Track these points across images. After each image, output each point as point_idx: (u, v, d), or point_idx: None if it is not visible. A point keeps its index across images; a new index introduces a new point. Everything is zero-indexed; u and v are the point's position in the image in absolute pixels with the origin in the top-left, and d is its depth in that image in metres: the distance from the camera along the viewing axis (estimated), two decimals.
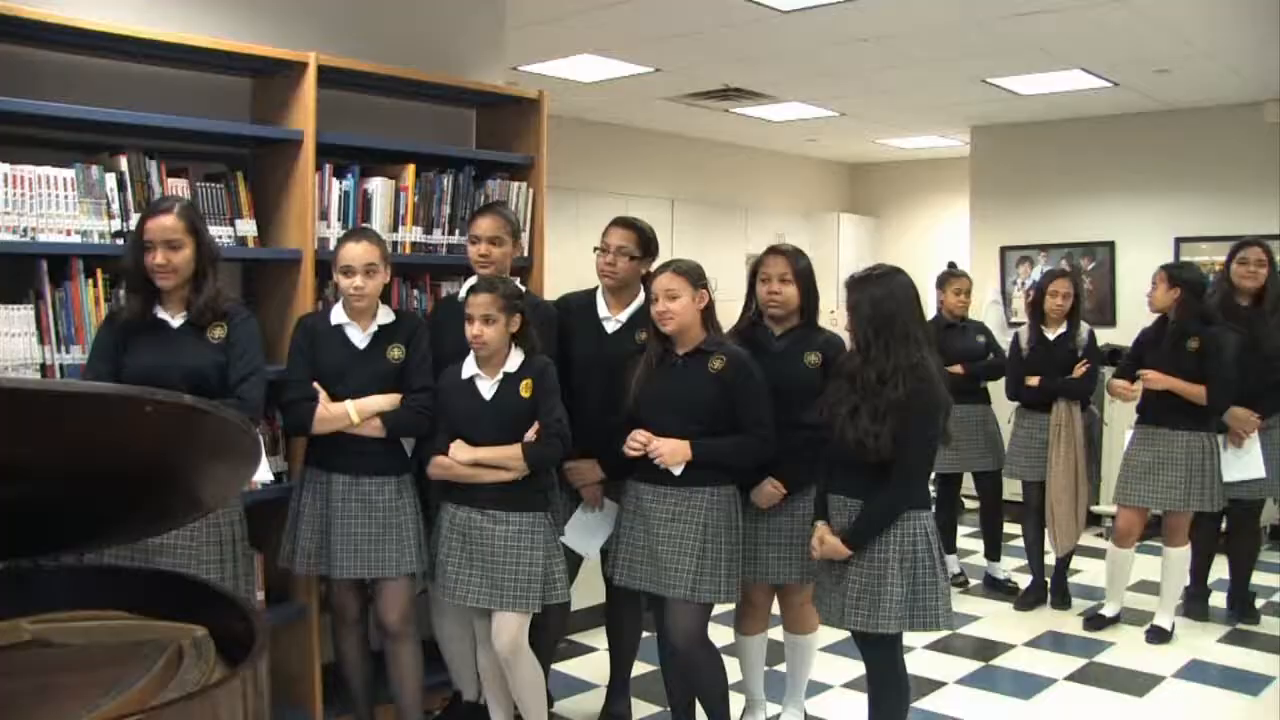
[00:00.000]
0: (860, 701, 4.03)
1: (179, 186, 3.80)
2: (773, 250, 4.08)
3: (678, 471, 3.70)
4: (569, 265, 5.29)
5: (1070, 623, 5.85)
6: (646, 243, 4.16)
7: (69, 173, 3.58)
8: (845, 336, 3.89)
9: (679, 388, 3.74)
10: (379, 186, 4.26)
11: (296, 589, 4.08)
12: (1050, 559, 6.14)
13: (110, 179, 3.67)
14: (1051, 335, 5.90)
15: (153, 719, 1.83)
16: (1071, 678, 5.06)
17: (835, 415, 3.52)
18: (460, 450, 3.67)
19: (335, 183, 4.15)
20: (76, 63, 3.80)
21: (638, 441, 3.71)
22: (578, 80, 7.57)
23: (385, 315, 3.78)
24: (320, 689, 4.14)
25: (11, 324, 3.45)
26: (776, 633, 4.35)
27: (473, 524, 3.69)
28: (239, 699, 1.92)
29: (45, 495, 2.17)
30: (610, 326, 4.15)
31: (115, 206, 3.67)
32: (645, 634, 4.50)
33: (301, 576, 3.98)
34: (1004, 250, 9.30)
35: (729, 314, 3.98)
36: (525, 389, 3.68)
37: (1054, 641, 5.60)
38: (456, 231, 4.48)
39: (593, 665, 5.06)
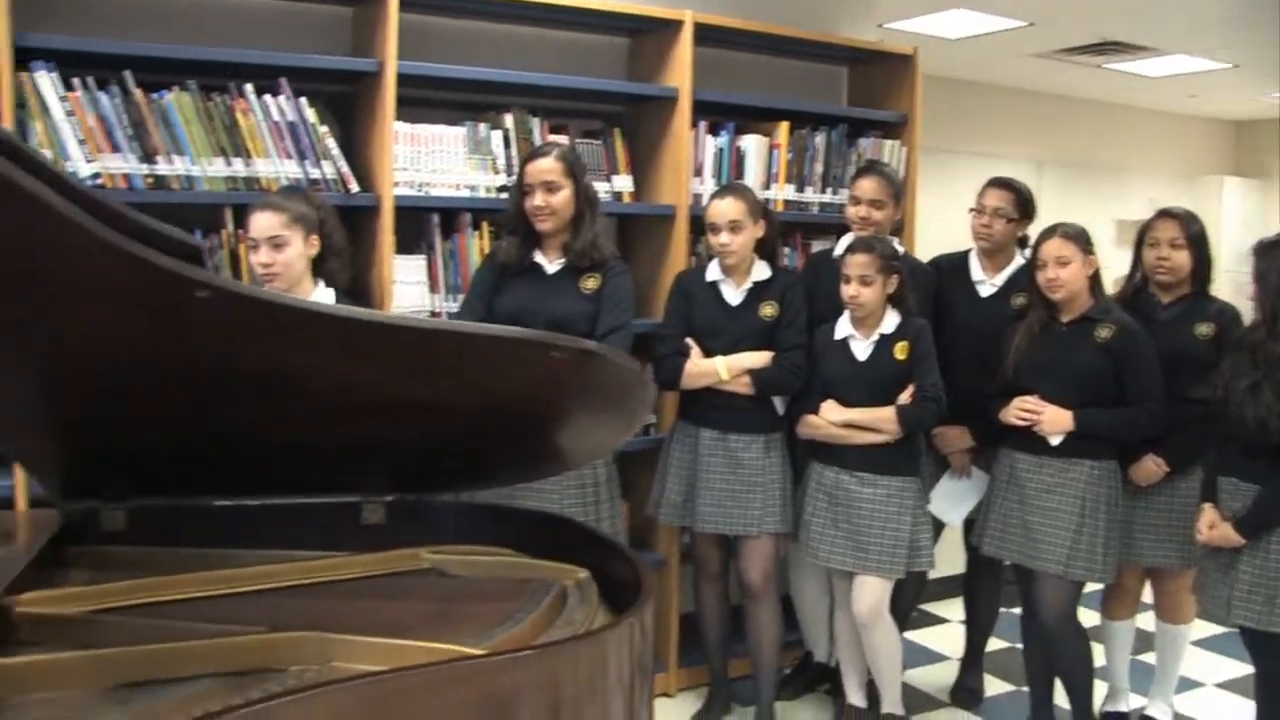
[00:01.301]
0: (1237, 705, 3.77)
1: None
2: (1163, 213, 3.82)
3: (1056, 441, 3.54)
4: (934, 226, 5.15)
5: None
6: (1024, 204, 3.99)
7: (460, 130, 3.78)
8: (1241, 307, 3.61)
9: (1062, 356, 3.57)
10: (752, 144, 4.27)
11: (658, 539, 4.17)
12: None
13: (496, 136, 3.84)
14: None
15: (546, 655, 1.88)
16: None
17: (1233, 391, 3.25)
18: (831, 410, 3.64)
19: (710, 140, 4.19)
20: (465, 27, 4.00)
21: (1027, 409, 3.57)
22: (944, 37, 7.33)
23: (761, 271, 3.77)
24: (676, 638, 4.23)
25: (407, 273, 3.67)
26: (1144, 619, 4.11)
27: (840, 485, 3.65)
28: (626, 644, 1.94)
29: (438, 435, 2.27)
30: (984, 290, 4.01)
31: (500, 162, 3.84)
32: (1000, 609, 4.36)
33: (664, 527, 4.06)
34: None
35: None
36: (900, 351, 3.61)
37: None
38: (828, 190, 4.45)
39: (943, 636, 4.97)
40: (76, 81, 3.22)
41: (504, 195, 3.77)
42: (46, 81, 3.17)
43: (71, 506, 2.40)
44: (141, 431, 2.13)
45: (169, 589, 2.19)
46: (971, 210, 4.01)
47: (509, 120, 3.86)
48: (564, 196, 3.45)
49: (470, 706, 1.73)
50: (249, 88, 3.45)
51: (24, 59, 3.13)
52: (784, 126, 4.33)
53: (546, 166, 3.44)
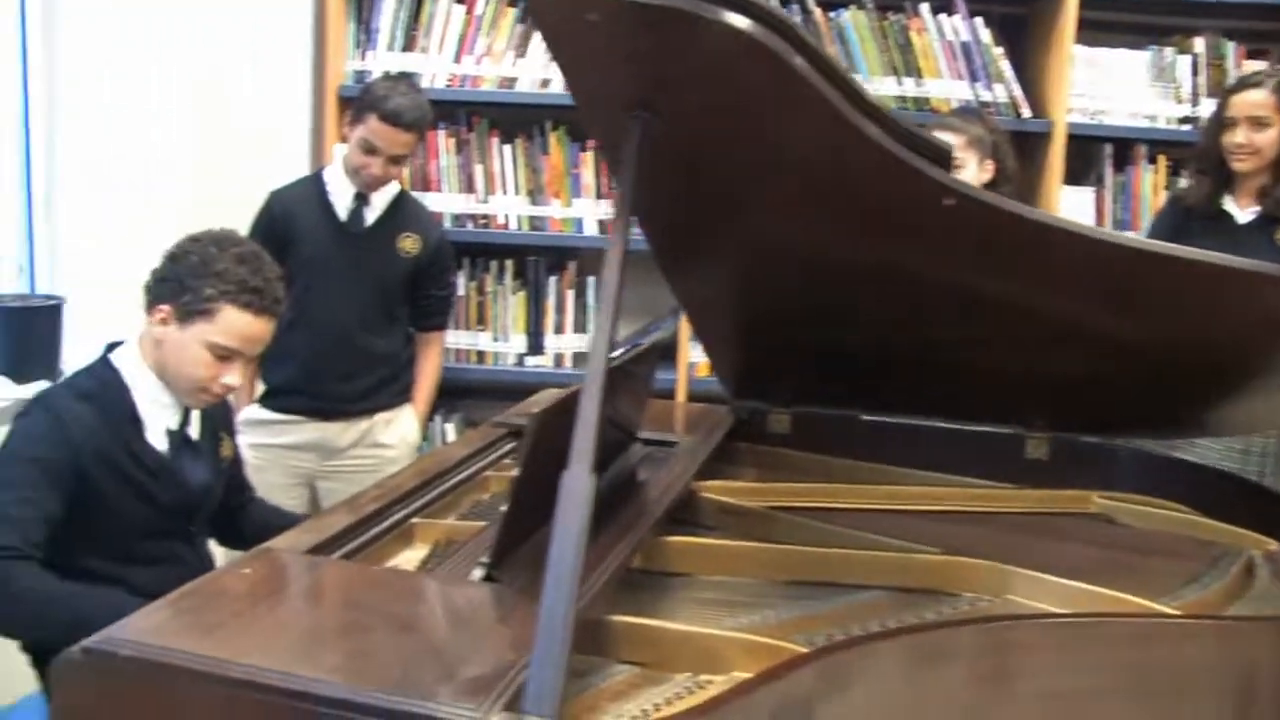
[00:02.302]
0: None
1: None
2: None
3: None
4: None
5: None
6: None
7: (1143, 55, 3.57)
8: None
9: None
10: None
11: None
12: None
13: (1183, 62, 3.57)
14: None
15: (1248, 631, 1.71)
16: None
17: None
18: None
19: None
20: None
21: None
22: None
23: None
24: None
25: (1074, 205, 3.52)
26: None
27: None
28: None
29: (1117, 373, 2.13)
30: None
31: (1185, 90, 3.57)
32: None
33: None
34: None
35: None
36: None
37: None
38: None
39: None
40: None
41: (1185, 127, 3.51)
42: None
43: (741, 405, 2.52)
44: (825, 337, 2.17)
45: (835, 497, 2.23)
46: None
47: (1199, 44, 3.57)
48: (1272, 135, 3.09)
49: (1143, 670, 1.60)
50: (924, 7, 3.45)
51: None
52: None
53: (1258, 99, 3.09)
